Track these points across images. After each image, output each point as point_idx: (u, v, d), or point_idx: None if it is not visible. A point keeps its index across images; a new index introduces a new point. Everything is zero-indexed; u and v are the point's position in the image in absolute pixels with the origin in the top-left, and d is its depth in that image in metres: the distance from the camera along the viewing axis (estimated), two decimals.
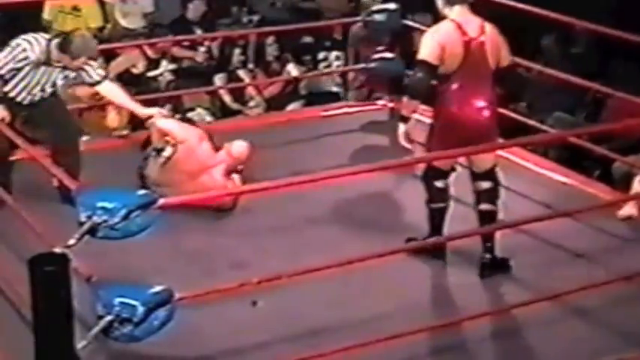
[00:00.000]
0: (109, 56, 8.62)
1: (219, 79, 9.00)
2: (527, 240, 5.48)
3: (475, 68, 5.32)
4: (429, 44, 5.35)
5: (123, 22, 9.26)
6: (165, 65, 8.78)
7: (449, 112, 5.36)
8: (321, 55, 9.22)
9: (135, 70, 8.70)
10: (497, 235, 5.21)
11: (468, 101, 5.34)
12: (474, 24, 5.36)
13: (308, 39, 9.41)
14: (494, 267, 5.33)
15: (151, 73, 8.71)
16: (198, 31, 9.03)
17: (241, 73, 9.11)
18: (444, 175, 5.48)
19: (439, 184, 5.48)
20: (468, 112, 5.34)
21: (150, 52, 8.75)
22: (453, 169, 5.55)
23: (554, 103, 8.37)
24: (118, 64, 8.64)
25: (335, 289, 5.00)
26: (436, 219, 5.49)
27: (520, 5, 6.68)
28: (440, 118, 5.41)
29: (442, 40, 5.33)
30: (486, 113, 5.37)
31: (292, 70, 9.11)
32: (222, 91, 8.94)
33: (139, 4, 9.28)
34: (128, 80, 8.56)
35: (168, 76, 8.69)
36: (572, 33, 8.53)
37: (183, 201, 3.98)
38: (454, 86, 5.33)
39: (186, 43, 9.08)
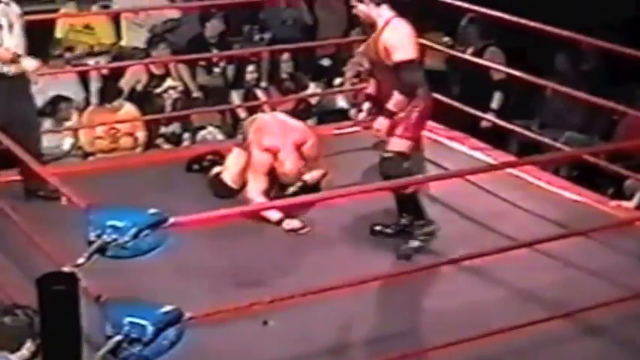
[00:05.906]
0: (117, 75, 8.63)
1: (236, 95, 8.97)
2: (542, 259, 5.43)
3: None
4: (410, 41, 5.53)
5: (130, 42, 9.25)
6: (169, 83, 8.72)
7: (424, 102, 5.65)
8: (337, 81, 9.23)
9: (139, 87, 8.66)
10: (513, 254, 5.12)
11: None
12: None
13: (326, 62, 9.42)
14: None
15: (157, 90, 8.66)
16: (215, 51, 8.97)
17: (257, 91, 9.06)
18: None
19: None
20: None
21: (153, 68, 8.71)
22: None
23: (567, 123, 8.34)
24: (126, 83, 8.61)
25: (348, 309, 4.95)
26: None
27: (532, 23, 6.65)
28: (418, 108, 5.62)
29: (412, 35, 5.57)
30: None
31: (314, 89, 9.11)
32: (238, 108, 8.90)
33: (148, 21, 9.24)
34: (137, 99, 8.53)
35: (174, 94, 8.63)
36: (581, 50, 8.48)
37: (195, 220, 3.93)
38: None
39: (202, 63, 9.04)
